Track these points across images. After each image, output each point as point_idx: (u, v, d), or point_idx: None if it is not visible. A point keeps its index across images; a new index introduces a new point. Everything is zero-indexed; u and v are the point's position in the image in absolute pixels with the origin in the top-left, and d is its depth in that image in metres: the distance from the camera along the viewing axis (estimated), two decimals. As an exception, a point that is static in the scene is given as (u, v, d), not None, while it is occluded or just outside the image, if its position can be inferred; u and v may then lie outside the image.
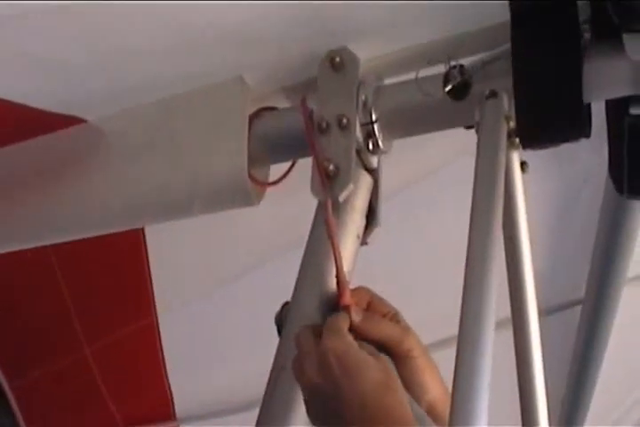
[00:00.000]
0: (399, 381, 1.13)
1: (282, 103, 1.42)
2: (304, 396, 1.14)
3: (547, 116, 1.19)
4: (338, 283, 1.21)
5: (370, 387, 1.08)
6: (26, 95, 1.28)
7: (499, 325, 1.08)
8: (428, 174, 1.77)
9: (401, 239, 1.83)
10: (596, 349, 2.07)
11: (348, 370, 1.09)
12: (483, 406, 0.95)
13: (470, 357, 0.99)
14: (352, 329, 1.18)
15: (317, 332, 1.17)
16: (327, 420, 1.11)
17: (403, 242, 1.87)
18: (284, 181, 1.43)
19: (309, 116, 1.31)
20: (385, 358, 1.16)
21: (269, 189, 1.43)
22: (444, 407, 1.15)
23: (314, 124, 1.30)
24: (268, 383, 1.21)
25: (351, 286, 1.24)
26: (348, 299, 1.20)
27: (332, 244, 1.22)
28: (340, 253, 1.22)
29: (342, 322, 1.17)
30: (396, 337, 1.21)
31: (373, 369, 1.10)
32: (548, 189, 1.93)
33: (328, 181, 1.26)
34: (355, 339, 1.15)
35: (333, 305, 1.22)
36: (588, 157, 1.75)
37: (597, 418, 2.49)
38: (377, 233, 1.35)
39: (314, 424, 1.15)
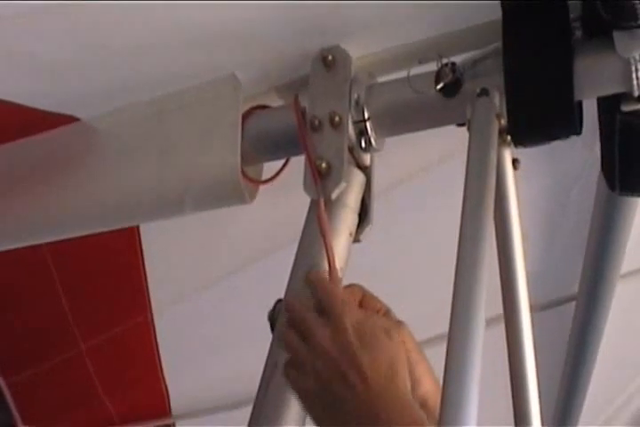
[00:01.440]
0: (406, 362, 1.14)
1: (274, 102, 1.43)
2: (303, 358, 1.12)
3: (538, 114, 1.19)
4: (330, 280, 1.21)
5: (382, 363, 1.08)
6: (18, 94, 1.28)
7: (491, 322, 1.09)
8: (422, 171, 1.77)
9: (395, 236, 1.83)
10: (590, 345, 2.07)
11: (364, 341, 1.09)
12: (473, 403, 0.96)
13: (460, 353, 0.99)
14: None
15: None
16: (326, 391, 1.09)
17: (397, 239, 1.87)
18: (277, 178, 1.43)
19: (302, 114, 1.32)
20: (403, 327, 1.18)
21: (263, 187, 1.43)
22: (435, 401, 1.15)
23: (306, 123, 1.30)
24: (261, 381, 1.21)
25: (344, 283, 1.24)
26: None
27: (325, 241, 1.22)
28: (332, 251, 1.22)
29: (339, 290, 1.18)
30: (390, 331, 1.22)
31: (387, 347, 1.10)
32: (540, 185, 1.94)
33: (320, 179, 1.27)
34: None
35: None
36: (581, 153, 1.75)
37: (590, 415, 2.49)
38: (370, 230, 1.35)
39: (303, 400, 1.14)
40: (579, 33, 1.21)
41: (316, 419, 1.12)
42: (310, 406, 1.13)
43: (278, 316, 1.25)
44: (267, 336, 1.25)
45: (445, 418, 0.96)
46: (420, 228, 1.91)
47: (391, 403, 1.05)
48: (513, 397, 1.31)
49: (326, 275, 1.21)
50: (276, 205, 1.59)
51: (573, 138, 1.21)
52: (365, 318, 1.14)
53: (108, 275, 2.00)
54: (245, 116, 1.38)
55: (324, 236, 1.22)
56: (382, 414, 1.04)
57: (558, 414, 2.35)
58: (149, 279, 1.97)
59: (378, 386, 1.06)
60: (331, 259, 1.22)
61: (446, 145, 1.55)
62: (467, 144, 1.19)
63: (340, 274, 1.24)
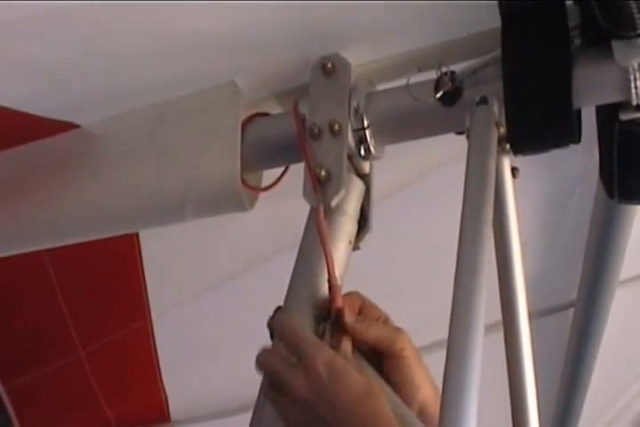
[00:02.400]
0: (381, 389, 1.15)
1: (274, 109, 1.43)
2: (286, 414, 1.14)
3: (536, 123, 1.19)
4: (330, 287, 1.22)
5: (357, 393, 1.09)
6: (18, 101, 1.28)
7: (490, 328, 1.09)
8: (420, 178, 1.77)
9: (394, 242, 1.84)
10: (589, 352, 2.08)
11: (336, 378, 1.10)
12: (472, 409, 0.96)
13: (460, 360, 0.99)
14: (345, 331, 1.20)
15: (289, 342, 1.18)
16: None
17: (396, 245, 1.87)
18: (277, 185, 1.43)
19: (301, 121, 1.32)
20: (369, 371, 1.19)
21: (263, 194, 1.44)
22: (435, 408, 1.16)
23: (306, 130, 1.30)
24: (261, 389, 1.22)
25: (343, 291, 1.24)
26: (340, 303, 1.21)
27: (324, 249, 1.22)
28: (332, 258, 1.22)
29: (301, 328, 1.19)
30: (389, 337, 1.23)
31: (358, 376, 1.11)
32: (539, 192, 1.94)
33: (320, 187, 1.27)
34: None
35: (325, 309, 1.22)
36: (581, 160, 1.75)
37: (593, 417, 2.49)
38: (370, 236, 1.35)
39: None
40: (578, 41, 1.21)
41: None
42: None
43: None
44: (267, 341, 1.25)
45: (445, 423, 0.96)
46: (419, 235, 1.91)
47: None
48: (511, 403, 1.31)
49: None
50: (277, 208, 1.59)
51: (573, 145, 1.21)
52: (335, 356, 1.14)
53: (108, 279, 2.00)
54: (245, 123, 1.38)
55: (323, 244, 1.22)
56: None
57: (557, 419, 2.35)
58: (148, 284, 1.97)
59: (357, 424, 1.07)
60: (330, 266, 1.22)
61: (445, 152, 1.56)
62: (466, 151, 1.19)
63: (339, 281, 1.24)
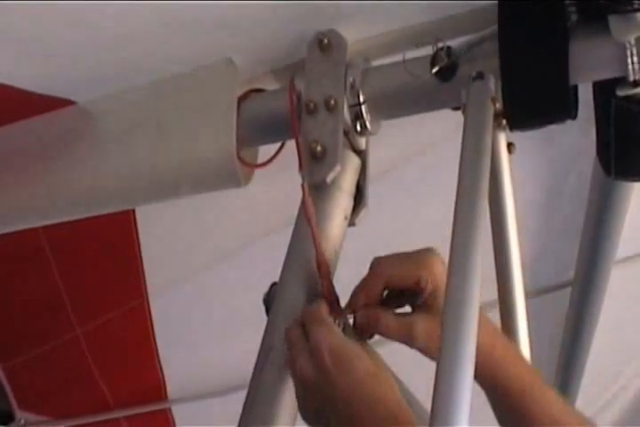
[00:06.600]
0: (388, 370, 1.14)
1: (270, 85, 1.42)
2: (296, 392, 1.13)
3: (533, 98, 1.19)
4: (318, 264, 1.21)
5: (362, 376, 1.08)
6: (14, 77, 1.28)
7: (485, 307, 1.09)
8: (417, 155, 1.77)
9: (390, 220, 1.84)
10: (586, 330, 2.08)
11: (339, 360, 1.09)
12: (466, 388, 0.95)
13: (454, 338, 0.99)
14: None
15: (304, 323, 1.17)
16: (320, 413, 1.10)
17: (392, 222, 1.88)
18: (275, 160, 1.43)
19: (297, 97, 1.31)
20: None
21: (260, 170, 1.43)
22: (500, 348, 1.16)
23: (302, 106, 1.30)
24: (256, 364, 1.21)
25: (339, 267, 1.24)
26: (327, 282, 1.20)
27: (310, 225, 1.21)
28: (318, 235, 1.21)
29: (323, 311, 1.17)
30: (408, 273, 1.18)
31: (364, 359, 1.10)
32: (536, 169, 1.94)
33: (316, 163, 1.26)
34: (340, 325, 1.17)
35: (318, 287, 1.22)
36: (577, 138, 1.75)
37: (586, 401, 2.49)
38: (366, 213, 1.35)
39: (305, 420, 1.15)
40: (574, 17, 1.20)
41: (304, 408, 1.13)
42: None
43: (273, 299, 1.25)
44: (263, 320, 1.25)
45: (438, 405, 0.96)
46: (415, 212, 1.91)
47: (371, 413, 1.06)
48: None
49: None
50: (274, 188, 1.59)
51: (569, 122, 1.21)
52: (343, 340, 1.13)
53: (104, 257, 2.01)
54: (241, 99, 1.38)
55: (308, 220, 1.21)
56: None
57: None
58: (145, 262, 1.97)
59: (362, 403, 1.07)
60: (317, 244, 1.21)
61: (441, 128, 1.56)
62: (462, 127, 1.19)
63: (335, 257, 1.24)
